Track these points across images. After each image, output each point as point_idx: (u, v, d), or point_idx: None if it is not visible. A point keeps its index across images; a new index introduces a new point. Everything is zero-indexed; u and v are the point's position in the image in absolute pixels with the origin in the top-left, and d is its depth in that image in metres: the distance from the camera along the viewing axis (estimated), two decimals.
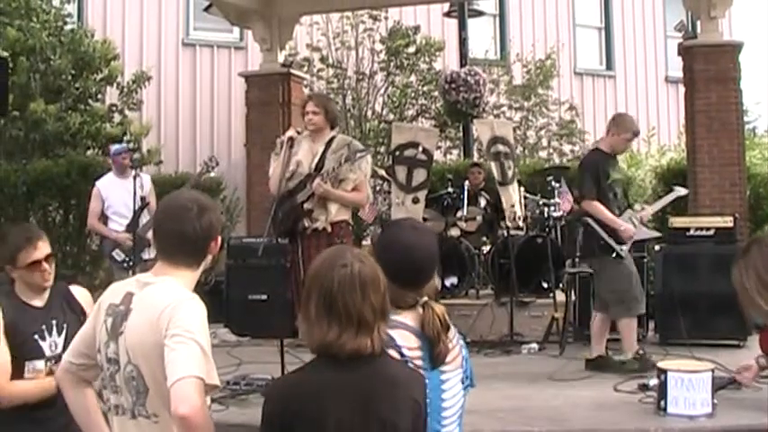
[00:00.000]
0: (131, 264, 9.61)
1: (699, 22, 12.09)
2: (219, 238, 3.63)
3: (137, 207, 9.76)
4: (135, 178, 9.60)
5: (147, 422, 3.36)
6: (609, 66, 22.39)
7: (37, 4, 14.70)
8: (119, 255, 9.84)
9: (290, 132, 8.17)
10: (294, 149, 8.05)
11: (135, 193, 9.55)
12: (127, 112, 15.46)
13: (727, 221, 10.05)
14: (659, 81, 22.40)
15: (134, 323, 3.38)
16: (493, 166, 11.12)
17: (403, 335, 3.32)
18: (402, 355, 3.27)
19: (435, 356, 3.36)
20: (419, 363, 3.31)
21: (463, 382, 3.51)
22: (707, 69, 11.61)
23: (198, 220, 3.50)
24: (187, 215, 3.49)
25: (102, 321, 3.50)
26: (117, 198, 9.98)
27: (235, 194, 15.17)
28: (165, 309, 3.31)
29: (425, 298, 3.42)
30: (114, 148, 10.29)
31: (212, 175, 10.49)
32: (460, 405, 3.49)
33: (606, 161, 8.79)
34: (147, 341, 3.31)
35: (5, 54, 12.25)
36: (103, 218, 10.18)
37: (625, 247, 8.60)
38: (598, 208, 8.59)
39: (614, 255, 8.53)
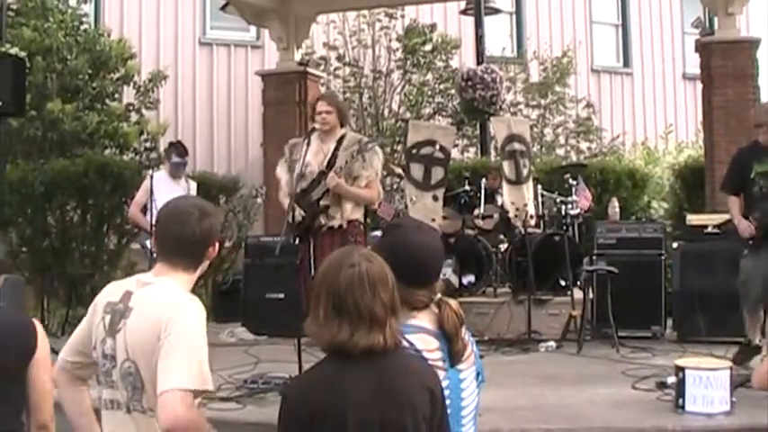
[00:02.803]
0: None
1: (716, 19, 12.08)
2: (217, 244, 3.73)
3: None
4: (150, 180, 9.70)
5: (142, 416, 3.45)
6: (626, 63, 22.35)
7: (53, 5, 14.76)
8: (151, 244, 9.94)
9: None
10: (304, 149, 8.06)
11: (151, 193, 9.62)
12: (144, 111, 15.48)
13: None
14: (677, 78, 22.34)
15: (134, 322, 3.46)
16: (506, 164, 11.07)
17: (422, 338, 3.30)
18: (423, 359, 3.26)
19: (455, 354, 3.35)
20: (440, 364, 3.29)
21: (476, 379, 3.50)
22: (724, 66, 11.59)
23: (198, 224, 3.59)
24: (188, 219, 3.59)
25: (99, 319, 3.56)
26: (165, 196, 10.00)
27: (252, 193, 15.20)
28: (164, 310, 3.41)
29: (439, 295, 3.43)
30: (175, 159, 10.43)
31: (259, 200, 10.71)
32: (476, 403, 3.48)
33: (756, 153, 8.51)
34: (145, 340, 3.39)
35: (23, 54, 12.29)
36: (143, 211, 10.26)
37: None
38: (729, 202, 8.66)
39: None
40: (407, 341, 3.23)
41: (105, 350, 3.51)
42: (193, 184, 10.65)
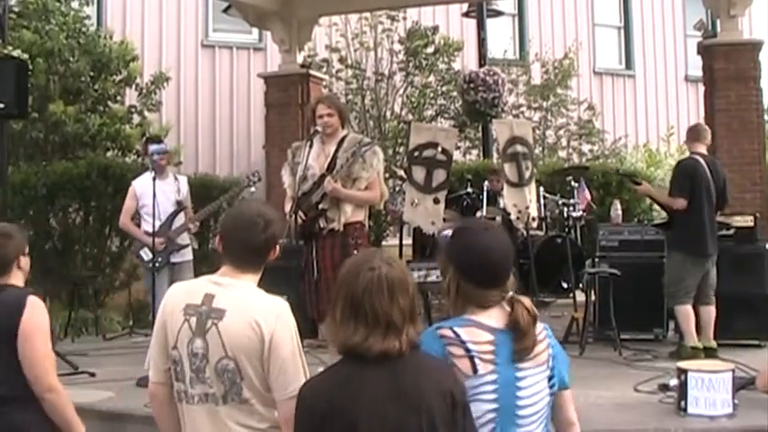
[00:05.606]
0: (157, 266, 9.69)
1: (718, 21, 12.06)
2: (278, 246, 4.00)
3: (173, 210, 10.07)
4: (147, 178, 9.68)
5: (240, 405, 3.71)
6: (628, 65, 22.36)
7: (55, 7, 14.72)
8: (146, 254, 9.88)
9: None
10: (306, 152, 8.04)
11: (154, 197, 9.57)
12: (146, 113, 15.44)
13: (747, 221, 9.97)
14: (679, 80, 22.34)
15: (230, 323, 3.69)
16: (508, 167, 11.05)
17: (470, 331, 3.29)
18: (468, 350, 3.24)
19: (520, 351, 3.31)
20: (489, 357, 3.27)
21: (550, 381, 3.44)
22: (727, 68, 11.58)
23: (263, 232, 3.87)
24: (254, 228, 3.87)
25: (181, 321, 3.76)
26: (157, 197, 9.83)
27: (254, 195, 15.13)
28: (263, 318, 3.68)
29: (510, 293, 3.42)
30: (152, 147, 10.24)
31: (253, 190, 10.58)
32: (544, 405, 3.42)
33: None
34: (246, 342, 3.67)
35: (25, 56, 12.29)
36: (138, 217, 10.20)
37: None
38: None
39: None
40: (453, 332, 3.25)
41: (194, 349, 3.72)
42: (183, 179, 10.51)
